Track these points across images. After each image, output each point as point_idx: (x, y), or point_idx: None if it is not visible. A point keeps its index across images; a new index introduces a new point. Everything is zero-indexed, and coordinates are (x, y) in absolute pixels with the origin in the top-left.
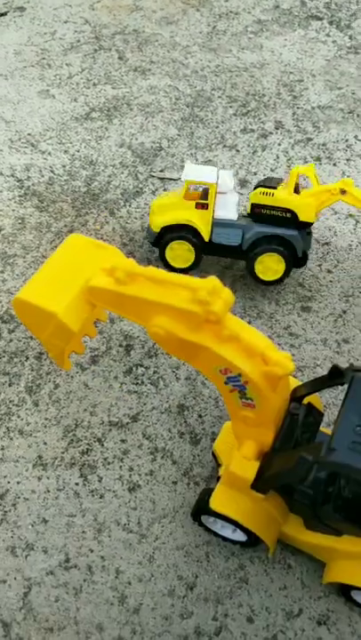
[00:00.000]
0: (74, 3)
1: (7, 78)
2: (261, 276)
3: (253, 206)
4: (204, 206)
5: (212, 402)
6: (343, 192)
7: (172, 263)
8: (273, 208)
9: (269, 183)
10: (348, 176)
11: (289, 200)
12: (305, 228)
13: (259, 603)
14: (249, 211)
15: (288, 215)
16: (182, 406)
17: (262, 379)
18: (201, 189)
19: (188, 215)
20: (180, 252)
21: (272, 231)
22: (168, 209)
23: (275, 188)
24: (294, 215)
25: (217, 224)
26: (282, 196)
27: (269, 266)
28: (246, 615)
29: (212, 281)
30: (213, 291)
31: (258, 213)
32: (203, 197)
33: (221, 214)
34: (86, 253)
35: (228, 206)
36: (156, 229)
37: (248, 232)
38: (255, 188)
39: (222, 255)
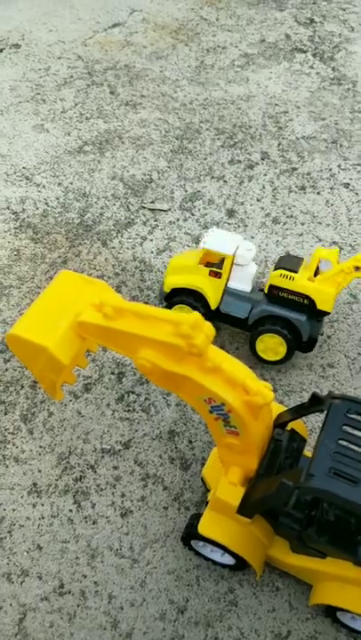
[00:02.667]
0: (67, 39)
1: (3, 113)
2: (261, 355)
3: (271, 287)
4: (218, 275)
5: (202, 427)
6: (357, 269)
7: None
8: (291, 292)
9: (290, 265)
10: (331, 204)
11: (309, 287)
12: (321, 316)
13: (248, 625)
14: (266, 290)
15: (305, 302)
16: (173, 432)
17: (244, 407)
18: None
19: (200, 282)
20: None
21: (280, 312)
22: (182, 271)
23: (295, 271)
24: (312, 302)
25: (228, 293)
26: (302, 282)
27: (271, 346)
28: (236, 638)
29: (194, 315)
30: (195, 325)
31: (275, 295)
32: (218, 266)
33: (235, 285)
34: (76, 289)
35: (244, 278)
36: (167, 289)
37: (256, 307)
38: (276, 269)
39: (229, 324)
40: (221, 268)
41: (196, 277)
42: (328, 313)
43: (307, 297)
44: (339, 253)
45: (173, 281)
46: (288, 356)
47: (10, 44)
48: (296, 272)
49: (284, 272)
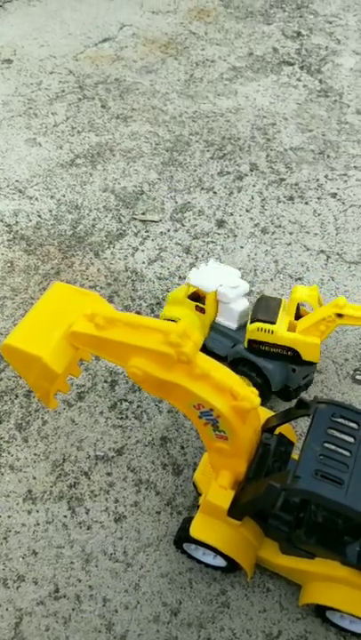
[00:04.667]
0: (58, 54)
1: None
2: None
3: (251, 342)
4: (202, 310)
5: (194, 433)
6: (340, 316)
7: None
8: (273, 345)
9: (267, 315)
10: (319, 214)
11: (291, 339)
12: (309, 365)
13: (240, 626)
14: (246, 344)
15: (289, 353)
16: (165, 438)
17: (232, 412)
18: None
19: (186, 315)
20: None
21: (250, 357)
22: (175, 303)
23: (273, 321)
24: (297, 353)
25: (215, 329)
26: (282, 334)
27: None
28: (228, 638)
29: (183, 324)
30: (184, 334)
31: (256, 348)
32: (203, 301)
33: (221, 320)
34: (69, 300)
35: (230, 315)
36: (161, 319)
37: (236, 346)
38: (252, 321)
39: (215, 358)
40: (204, 304)
41: (184, 311)
42: (315, 363)
43: (290, 349)
44: (318, 290)
45: (166, 311)
46: (263, 401)
47: (2, 59)
48: (274, 322)
49: (261, 326)
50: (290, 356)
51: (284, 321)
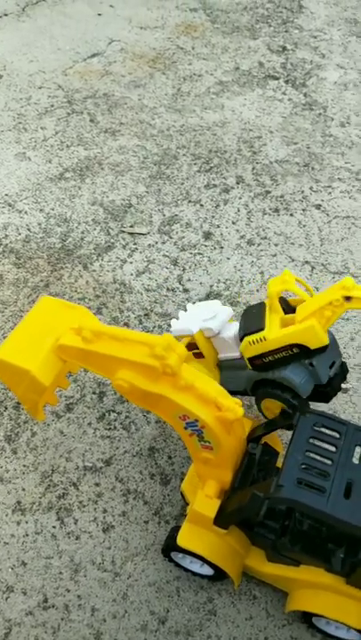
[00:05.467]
0: (47, 69)
1: None
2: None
3: (250, 360)
4: (200, 355)
5: (181, 444)
6: (348, 299)
7: None
8: (274, 352)
9: (253, 324)
10: (303, 225)
11: (287, 335)
12: (321, 352)
13: (227, 633)
14: (249, 367)
15: (295, 350)
16: (153, 449)
17: (216, 423)
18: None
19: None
20: None
21: (261, 376)
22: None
23: (261, 328)
24: (303, 347)
25: (224, 367)
26: (275, 335)
27: (275, 410)
28: None
29: (167, 338)
30: (168, 346)
31: (260, 364)
32: (195, 347)
33: (223, 355)
34: (56, 314)
35: (227, 343)
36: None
37: (246, 372)
38: (241, 338)
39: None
40: (198, 349)
41: (192, 363)
42: (327, 346)
43: (292, 346)
44: (291, 273)
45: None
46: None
47: None
48: (263, 328)
49: (250, 339)
50: (298, 353)
51: (273, 322)
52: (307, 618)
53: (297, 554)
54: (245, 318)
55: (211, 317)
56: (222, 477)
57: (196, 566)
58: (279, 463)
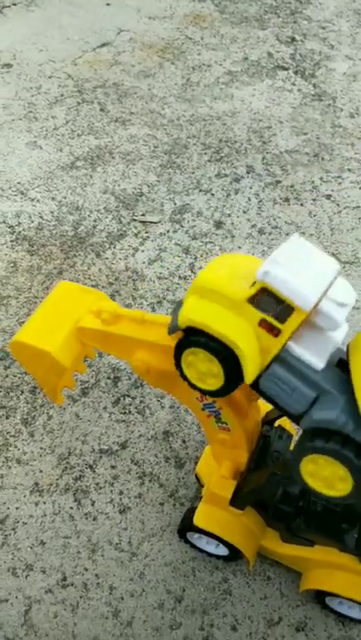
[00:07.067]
0: (57, 59)
1: None
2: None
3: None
4: (273, 331)
5: (195, 427)
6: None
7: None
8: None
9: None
10: (314, 215)
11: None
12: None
13: (242, 612)
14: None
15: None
16: (167, 433)
17: (234, 403)
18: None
19: (240, 334)
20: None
21: None
22: (224, 304)
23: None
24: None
25: (282, 361)
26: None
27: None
28: (231, 624)
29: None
30: None
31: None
32: (277, 317)
33: (300, 352)
34: (75, 298)
35: (325, 346)
36: (181, 325)
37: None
38: None
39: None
40: (282, 323)
41: (241, 325)
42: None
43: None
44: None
45: (207, 319)
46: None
47: (2, 63)
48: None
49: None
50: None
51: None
52: (320, 598)
53: (311, 534)
54: None
55: (341, 303)
56: (238, 458)
57: (212, 547)
58: (292, 446)
